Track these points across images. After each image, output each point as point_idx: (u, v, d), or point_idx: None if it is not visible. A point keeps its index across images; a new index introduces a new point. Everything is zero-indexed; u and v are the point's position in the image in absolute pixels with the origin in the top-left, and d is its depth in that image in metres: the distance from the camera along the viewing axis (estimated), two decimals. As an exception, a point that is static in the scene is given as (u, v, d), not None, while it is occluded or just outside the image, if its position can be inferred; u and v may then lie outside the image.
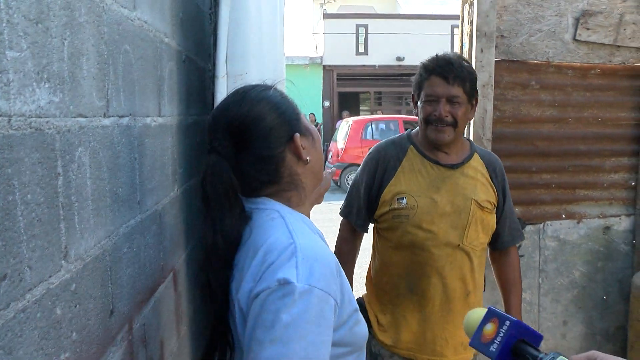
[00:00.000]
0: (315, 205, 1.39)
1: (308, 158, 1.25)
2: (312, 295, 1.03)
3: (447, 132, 2.04)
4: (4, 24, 0.70)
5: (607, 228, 3.47)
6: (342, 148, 14.04)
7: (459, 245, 2.06)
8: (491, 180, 2.16)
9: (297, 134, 1.23)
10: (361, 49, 20.59)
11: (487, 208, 2.11)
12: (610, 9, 3.26)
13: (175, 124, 1.63)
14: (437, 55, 2.10)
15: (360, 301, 2.23)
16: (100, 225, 1.03)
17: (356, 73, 20.75)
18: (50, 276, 0.83)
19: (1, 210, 0.69)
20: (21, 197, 0.74)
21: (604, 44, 3.29)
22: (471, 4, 3.08)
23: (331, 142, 15.47)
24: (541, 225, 3.36)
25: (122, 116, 1.16)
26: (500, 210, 2.20)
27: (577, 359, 1.03)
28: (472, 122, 2.99)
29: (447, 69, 2.00)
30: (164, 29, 1.50)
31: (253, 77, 1.84)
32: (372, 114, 19.36)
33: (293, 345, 1.00)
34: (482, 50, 3.04)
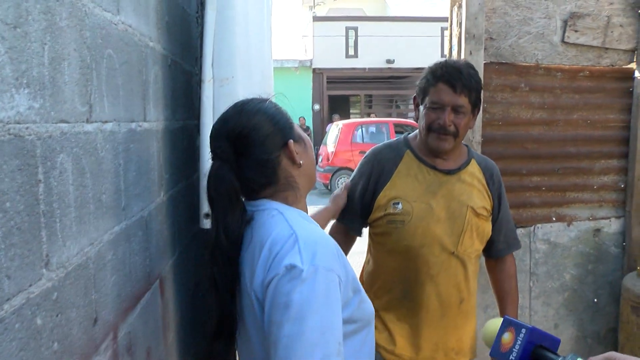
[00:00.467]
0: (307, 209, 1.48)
1: (301, 162, 1.37)
2: (318, 274, 1.15)
3: (449, 141, 2.01)
4: (-21, 28, 0.69)
5: (597, 230, 3.47)
6: (333, 152, 13.98)
7: (453, 252, 2.04)
8: (487, 186, 2.14)
9: (291, 140, 1.36)
10: (351, 52, 20.53)
11: (482, 215, 2.09)
12: (598, 11, 3.27)
13: (161, 128, 1.61)
14: (446, 61, 2.05)
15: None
16: (84, 232, 1.01)
17: (346, 76, 20.70)
18: (30, 285, 0.81)
19: (-23, 219, 0.67)
20: (-2, 205, 0.73)
21: (592, 46, 3.30)
22: (460, 7, 3.08)
23: (321, 146, 15.35)
24: (531, 228, 3.36)
25: (105, 121, 1.14)
26: (495, 216, 2.18)
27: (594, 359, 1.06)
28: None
29: (455, 77, 1.95)
30: (149, 33, 1.49)
31: (239, 80, 1.82)
32: (368, 116, 19.22)
33: (308, 320, 1.11)
34: (471, 53, 3.03)
